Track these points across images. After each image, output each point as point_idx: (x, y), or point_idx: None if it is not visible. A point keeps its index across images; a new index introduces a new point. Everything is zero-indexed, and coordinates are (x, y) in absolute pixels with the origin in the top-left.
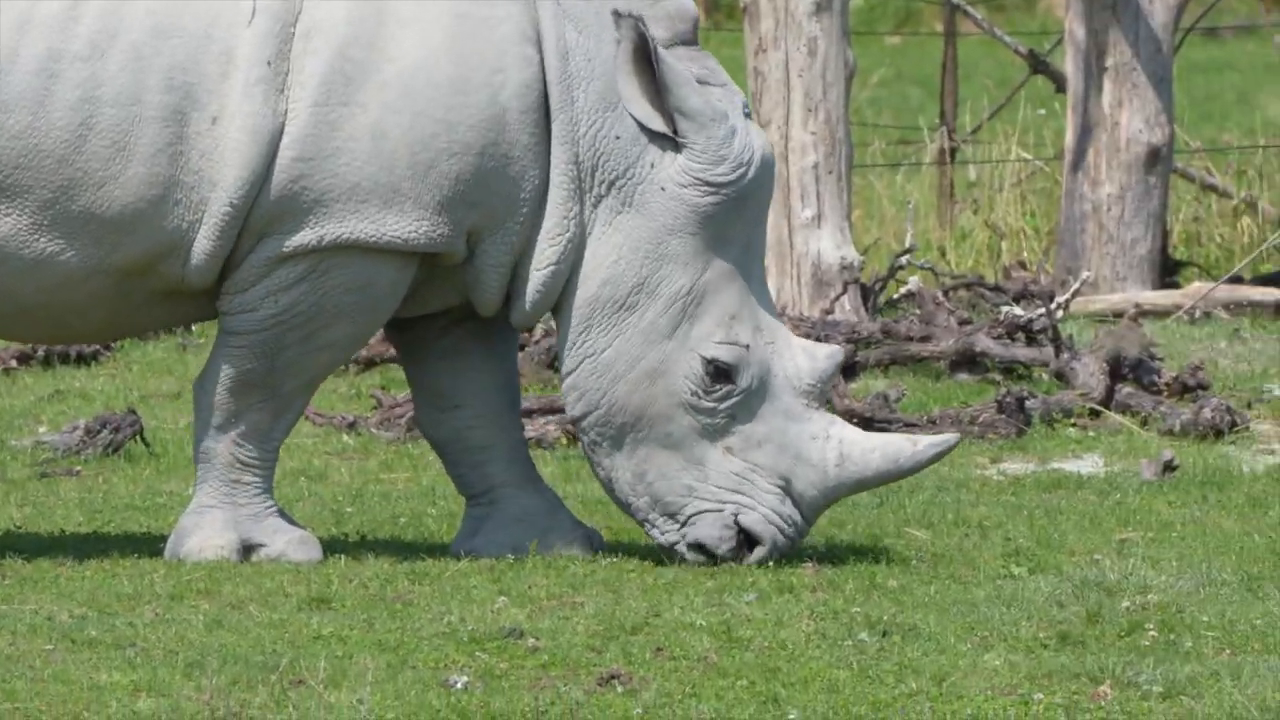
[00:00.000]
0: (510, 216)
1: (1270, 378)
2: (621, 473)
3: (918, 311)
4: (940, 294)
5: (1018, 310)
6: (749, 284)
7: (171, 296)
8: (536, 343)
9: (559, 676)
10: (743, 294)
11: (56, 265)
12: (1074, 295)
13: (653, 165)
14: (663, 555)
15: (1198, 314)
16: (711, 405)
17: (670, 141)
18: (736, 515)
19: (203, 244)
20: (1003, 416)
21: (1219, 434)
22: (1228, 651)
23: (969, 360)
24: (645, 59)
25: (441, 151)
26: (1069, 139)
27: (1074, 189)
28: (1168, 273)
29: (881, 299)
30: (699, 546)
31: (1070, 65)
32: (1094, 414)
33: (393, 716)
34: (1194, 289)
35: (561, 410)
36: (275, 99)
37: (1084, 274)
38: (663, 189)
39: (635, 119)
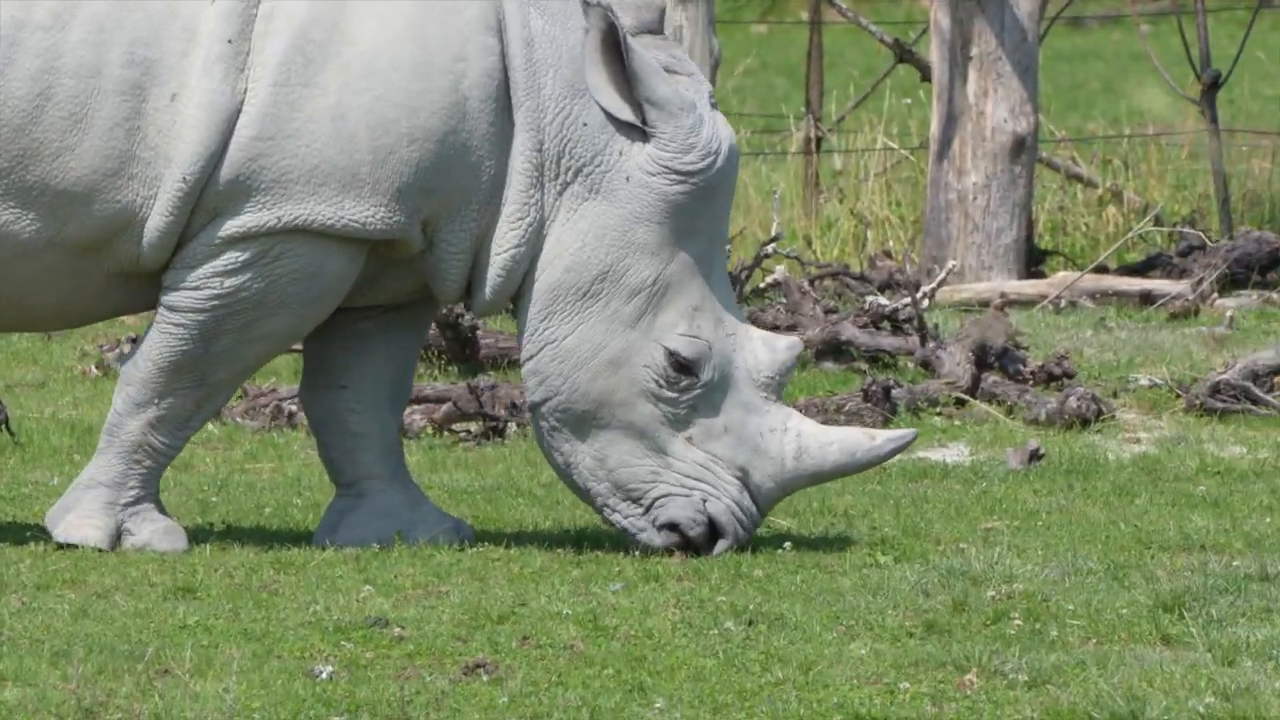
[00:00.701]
0: (465, 205)
1: (1135, 367)
2: (581, 458)
3: (783, 300)
4: (806, 283)
5: (883, 299)
6: (712, 276)
7: (130, 279)
8: None
9: (424, 666)
10: (706, 286)
11: (11, 236)
12: (939, 284)
13: (621, 153)
14: (529, 543)
15: (1063, 303)
16: (673, 395)
17: (639, 130)
18: (705, 501)
19: (156, 220)
20: (869, 405)
21: (1085, 423)
22: (1093, 640)
23: (834, 349)
24: (613, 48)
25: (403, 137)
26: (934, 128)
27: (939, 178)
28: (1033, 262)
29: (747, 288)
30: (672, 526)
31: (935, 54)
32: (960, 403)
33: (258, 706)
34: (1059, 278)
35: (426, 400)
36: (235, 77)
37: (950, 263)
38: (630, 177)
39: (603, 109)
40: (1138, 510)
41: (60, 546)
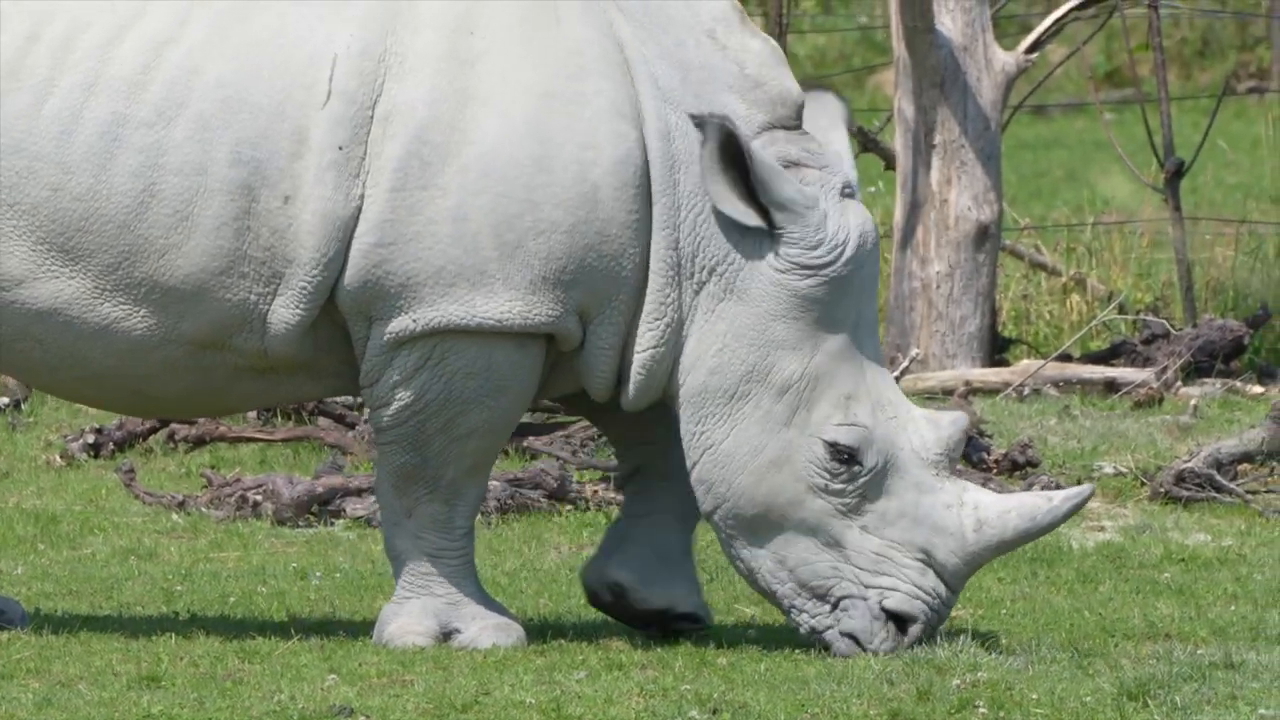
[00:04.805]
0: (615, 294)
1: (1099, 455)
2: (762, 562)
3: None
4: None
5: None
6: (862, 360)
7: (262, 374)
8: (367, 421)
9: None
10: (857, 372)
11: (123, 331)
12: (903, 373)
13: (751, 251)
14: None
15: (1027, 391)
16: (840, 487)
17: (766, 232)
18: (882, 602)
19: (282, 314)
20: None
21: None
22: None
23: None
24: (732, 156)
25: (527, 231)
26: (897, 216)
27: (903, 266)
28: (997, 350)
29: None
30: (851, 637)
31: (899, 142)
32: None
33: None
34: (1023, 366)
35: None
36: (349, 184)
37: (913, 351)
38: (762, 275)
39: (729, 217)
40: (1102, 598)
41: (24, 634)
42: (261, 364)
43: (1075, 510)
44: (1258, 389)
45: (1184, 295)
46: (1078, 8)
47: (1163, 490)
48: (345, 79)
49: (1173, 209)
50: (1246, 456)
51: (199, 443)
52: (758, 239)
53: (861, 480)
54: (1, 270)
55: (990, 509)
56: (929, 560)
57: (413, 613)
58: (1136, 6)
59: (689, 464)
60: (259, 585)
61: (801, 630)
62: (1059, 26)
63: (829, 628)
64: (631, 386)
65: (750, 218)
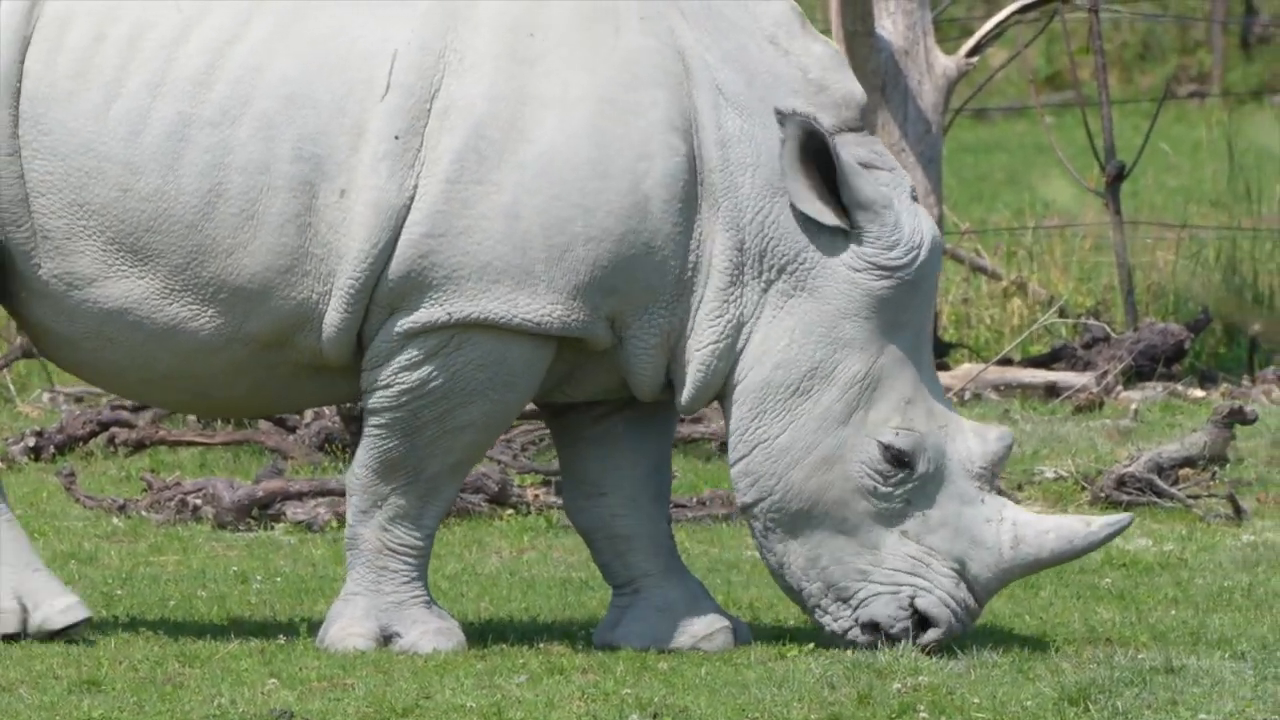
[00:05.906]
0: (652, 303)
1: (1040, 459)
2: (794, 559)
3: None
4: None
5: None
6: (921, 366)
7: (320, 372)
8: (307, 425)
9: None
10: (915, 378)
11: (190, 332)
12: None
13: (825, 250)
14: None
15: (968, 395)
16: (889, 490)
17: (843, 230)
18: (913, 598)
19: (332, 316)
20: None
21: None
22: None
23: None
24: (812, 155)
25: (578, 236)
26: None
27: None
28: (938, 354)
29: None
30: (873, 626)
31: None
32: None
33: None
34: (964, 370)
35: (331, 492)
36: (403, 174)
37: None
38: (836, 274)
39: (807, 215)
40: (1043, 603)
41: None
42: (318, 363)
43: (1113, 537)
44: (1199, 393)
45: (1125, 299)
46: (1019, 11)
47: (1103, 494)
48: (404, 73)
49: (1113, 213)
50: (1187, 461)
51: (139, 446)
52: (833, 238)
53: (909, 486)
54: (73, 269)
55: (1029, 528)
56: (962, 571)
57: (355, 614)
58: (1077, 10)
59: (734, 456)
60: (199, 589)
61: (825, 630)
62: (1000, 30)
63: (850, 628)
64: (689, 384)
65: (828, 216)
